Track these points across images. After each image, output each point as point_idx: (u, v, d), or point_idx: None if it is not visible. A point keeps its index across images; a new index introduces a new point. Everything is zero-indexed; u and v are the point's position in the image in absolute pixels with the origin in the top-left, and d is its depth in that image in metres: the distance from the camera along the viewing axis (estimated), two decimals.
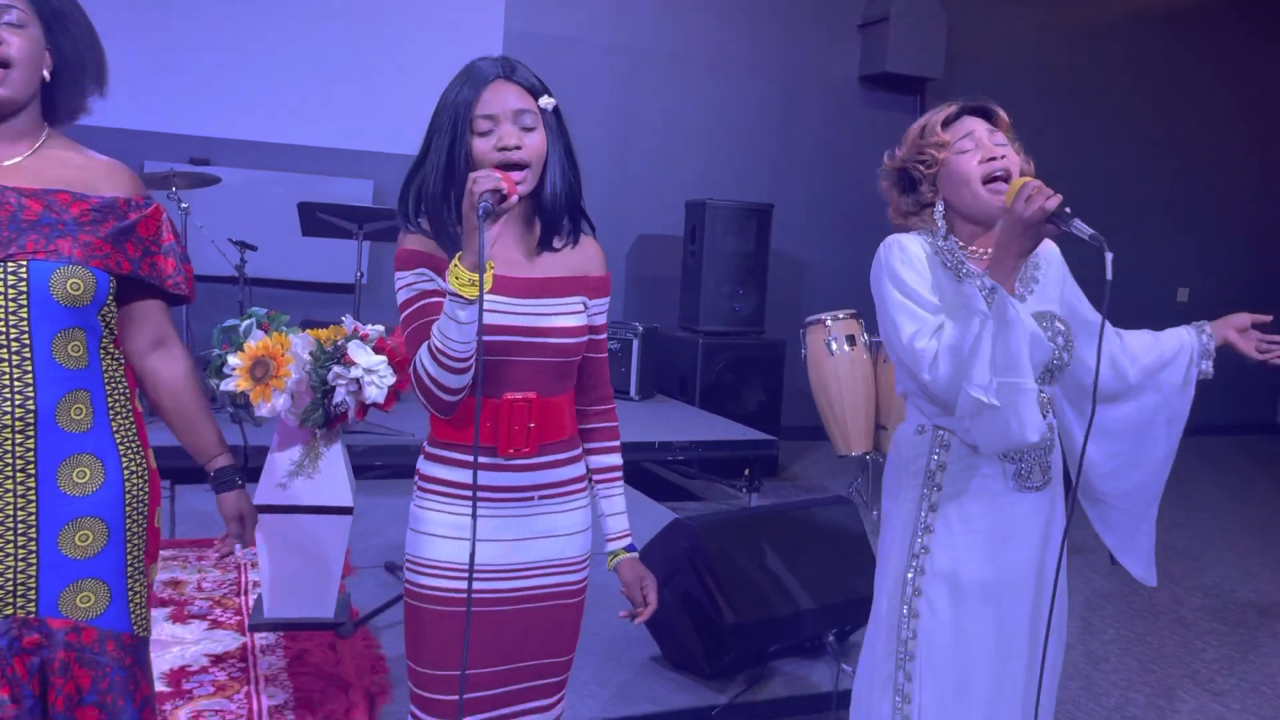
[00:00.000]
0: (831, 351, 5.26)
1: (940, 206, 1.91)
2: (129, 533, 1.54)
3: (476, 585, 1.63)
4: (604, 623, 2.88)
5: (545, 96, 1.62)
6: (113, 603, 1.52)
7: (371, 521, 3.85)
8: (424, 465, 1.68)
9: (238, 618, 2.83)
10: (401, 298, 1.63)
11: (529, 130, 1.58)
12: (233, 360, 2.62)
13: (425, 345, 1.55)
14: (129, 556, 1.55)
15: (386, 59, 6.35)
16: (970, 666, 1.85)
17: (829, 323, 5.31)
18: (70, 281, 1.47)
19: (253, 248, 5.15)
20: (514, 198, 1.47)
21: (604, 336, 1.76)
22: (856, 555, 2.83)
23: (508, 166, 1.56)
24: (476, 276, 1.45)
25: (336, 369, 2.61)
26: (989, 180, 1.80)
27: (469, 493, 1.62)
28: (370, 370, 2.62)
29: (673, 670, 2.67)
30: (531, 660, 1.70)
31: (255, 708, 2.29)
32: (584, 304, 1.68)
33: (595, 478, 1.80)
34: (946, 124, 1.90)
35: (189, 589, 2.97)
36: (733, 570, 2.56)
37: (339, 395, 2.62)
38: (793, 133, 7.39)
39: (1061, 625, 1.97)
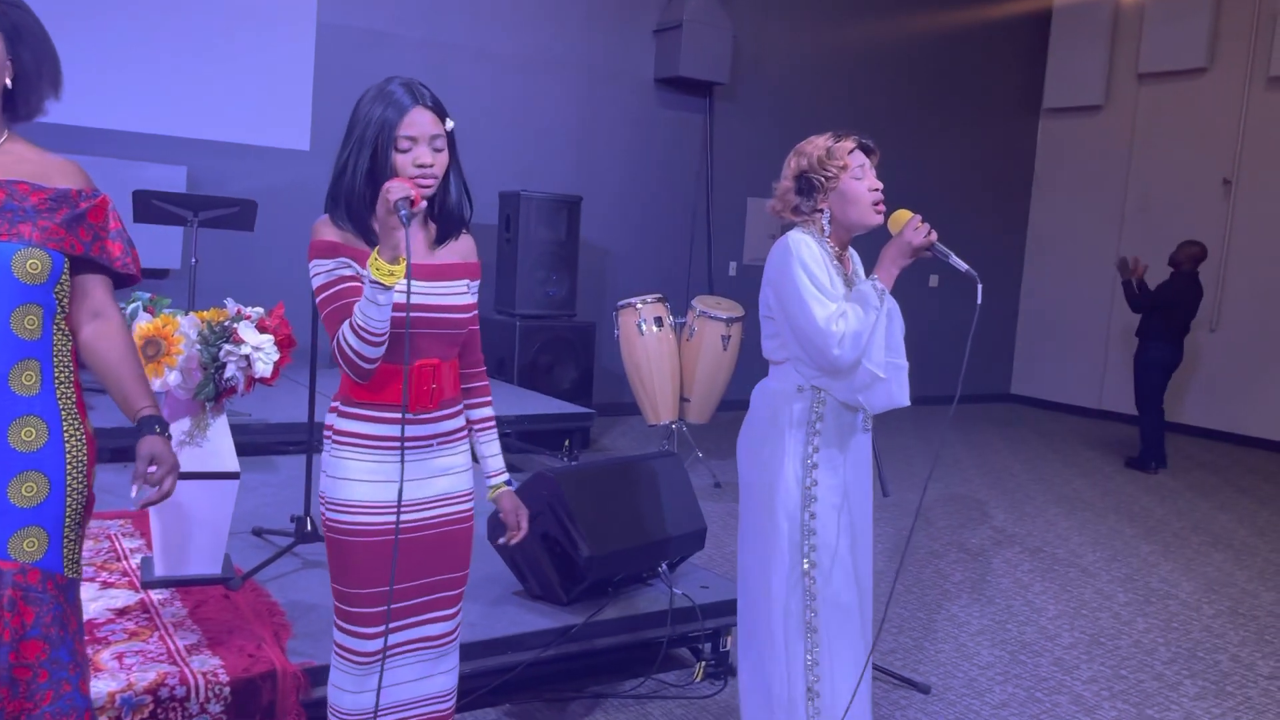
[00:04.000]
0: (642, 332, 5.81)
1: (827, 213, 2.38)
2: (69, 487, 1.73)
3: (393, 518, 1.98)
4: (471, 565, 3.29)
5: (448, 119, 2.01)
6: (50, 547, 1.71)
7: None
8: (339, 422, 2.01)
9: (126, 578, 3.04)
10: (319, 281, 1.94)
11: (439, 151, 1.96)
12: None
13: (348, 322, 1.88)
14: (68, 508, 1.73)
15: (200, 45, 6.37)
16: (847, 556, 2.38)
17: (639, 306, 5.86)
18: (30, 261, 1.67)
19: None
20: (421, 205, 1.85)
21: (475, 314, 2.13)
22: (682, 498, 3.37)
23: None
24: (395, 268, 1.82)
25: (227, 347, 2.88)
26: (875, 204, 2.38)
27: (387, 444, 1.98)
28: (258, 348, 2.91)
29: (534, 601, 3.11)
30: (437, 576, 2.09)
31: (173, 646, 2.56)
32: (468, 286, 2.07)
33: (476, 427, 2.19)
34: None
35: None
36: (585, 511, 3.03)
37: (230, 371, 2.89)
38: (597, 129, 7.91)
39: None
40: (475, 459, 2.20)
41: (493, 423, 2.23)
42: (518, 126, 7.51)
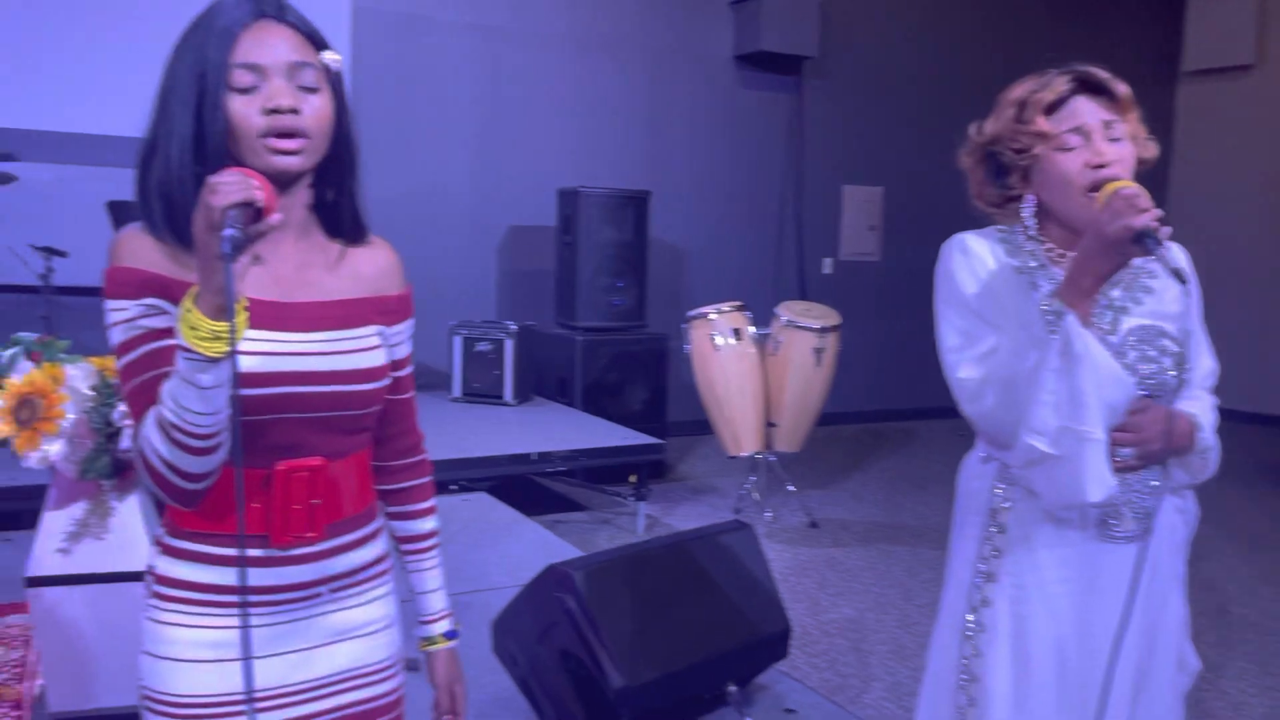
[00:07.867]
0: (716, 346, 4.94)
1: (1030, 202, 1.58)
2: None
3: None
4: (470, 684, 2.48)
5: (329, 52, 1.19)
6: None
7: None
8: (161, 564, 1.23)
9: (17, 714, 2.32)
10: (117, 337, 1.15)
11: (311, 91, 1.16)
12: None
13: (152, 415, 1.11)
14: None
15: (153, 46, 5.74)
16: None
17: (713, 316, 4.99)
18: None
19: (62, 254, 4.54)
20: (274, 218, 1.04)
21: (409, 371, 1.35)
22: (757, 589, 2.50)
23: (281, 136, 1.14)
24: (221, 327, 1.03)
25: (124, 406, 2.13)
26: (1095, 188, 1.46)
27: (226, 598, 1.20)
28: None
29: None
30: None
31: None
32: (380, 334, 1.27)
33: (404, 547, 1.41)
34: (1053, 108, 1.55)
35: None
36: (617, 621, 2.19)
37: (127, 439, 2.14)
38: (667, 115, 7.04)
39: (1172, 707, 1.62)
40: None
41: (432, 540, 1.42)
42: (576, 116, 6.70)
